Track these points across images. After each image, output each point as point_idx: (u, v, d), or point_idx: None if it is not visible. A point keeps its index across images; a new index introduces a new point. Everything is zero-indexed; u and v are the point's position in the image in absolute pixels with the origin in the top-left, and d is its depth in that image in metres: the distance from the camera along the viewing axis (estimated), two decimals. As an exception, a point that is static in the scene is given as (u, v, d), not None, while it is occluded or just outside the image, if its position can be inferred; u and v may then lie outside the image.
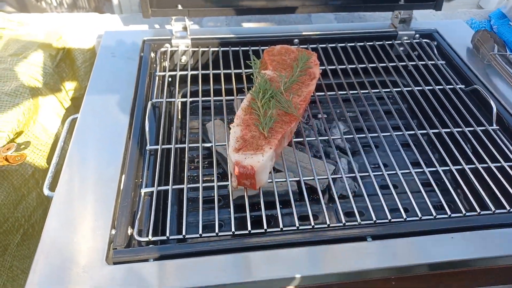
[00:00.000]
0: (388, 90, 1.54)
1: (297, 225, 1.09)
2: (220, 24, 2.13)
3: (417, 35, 1.80)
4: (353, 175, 1.23)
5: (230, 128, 1.23)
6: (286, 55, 1.51)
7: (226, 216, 1.38)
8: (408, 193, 1.16)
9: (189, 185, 1.17)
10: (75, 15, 2.12)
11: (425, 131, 1.37)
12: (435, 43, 1.78)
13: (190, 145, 1.29)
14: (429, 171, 1.22)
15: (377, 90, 1.53)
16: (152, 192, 1.14)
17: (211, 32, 1.73)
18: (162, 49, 1.65)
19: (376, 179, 1.21)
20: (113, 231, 1.03)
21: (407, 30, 1.80)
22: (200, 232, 1.05)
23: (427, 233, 1.07)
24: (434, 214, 1.11)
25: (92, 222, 1.04)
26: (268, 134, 1.20)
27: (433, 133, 1.36)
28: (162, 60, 1.63)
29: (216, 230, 1.05)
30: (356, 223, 1.10)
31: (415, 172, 1.22)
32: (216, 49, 1.66)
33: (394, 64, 1.65)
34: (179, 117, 1.65)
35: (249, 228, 1.07)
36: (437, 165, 1.24)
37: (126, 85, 1.45)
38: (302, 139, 1.32)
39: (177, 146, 1.28)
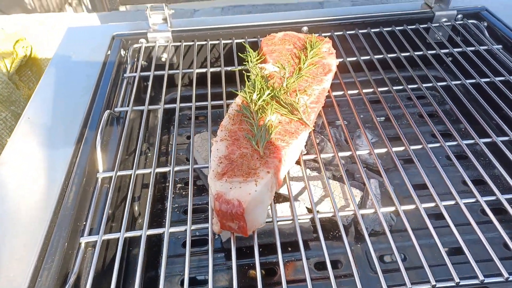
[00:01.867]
0: (430, 84, 1.14)
1: (307, 278, 0.71)
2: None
3: (459, 16, 1.41)
4: (392, 208, 0.84)
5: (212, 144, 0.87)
6: (291, 44, 1.14)
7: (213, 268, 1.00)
8: (475, 228, 0.76)
9: (149, 231, 0.80)
10: (47, 15, 1.81)
11: (489, 139, 0.97)
12: (485, 23, 1.38)
13: (158, 169, 0.92)
14: (506, 199, 0.82)
15: (415, 86, 1.14)
16: (96, 242, 0.77)
17: (198, 23, 1.38)
18: (136, 46, 1.31)
19: (423, 205, 0.82)
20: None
21: (446, 10, 1.41)
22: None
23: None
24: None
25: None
26: (264, 151, 0.83)
27: (501, 141, 0.96)
28: (135, 59, 1.29)
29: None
30: None
31: (464, 203, 0.83)
32: (203, 43, 1.31)
33: (434, 51, 1.26)
34: (150, 128, 1.30)
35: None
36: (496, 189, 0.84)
37: (81, 91, 1.10)
38: (315, 156, 0.94)
39: (141, 171, 0.92)
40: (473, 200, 0.84)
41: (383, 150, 0.95)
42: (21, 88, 1.59)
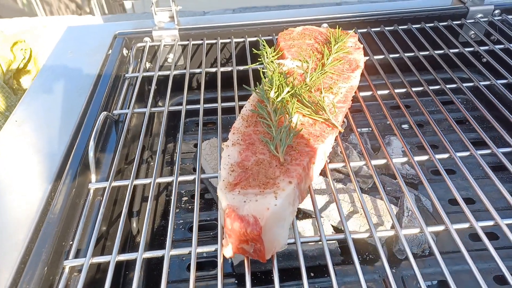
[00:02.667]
0: (471, 84, 1.00)
1: None
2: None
3: (497, 11, 1.27)
4: (440, 227, 0.68)
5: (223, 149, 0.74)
6: (312, 38, 1.01)
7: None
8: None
9: (146, 254, 0.66)
10: (50, 18, 1.72)
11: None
12: (527, 19, 1.23)
13: (160, 179, 0.79)
14: None
15: (454, 85, 1.00)
16: (83, 266, 0.64)
17: (207, 21, 1.26)
18: (140, 45, 1.19)
19: (479, 223, 0.67)
20: None
21: (481, 5, 1.28)
22: None
23: None
24: None
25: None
26: (285, 157, 0.69)
27: None
28: (138, 59, 1.18)
29: None
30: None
31: None
32: (213, 41, 1.19)
33: (472, 49, 1.12)
34: (154, 134, 1.17)
35: None
36: None
37: (77, 92, 0.99)
38: (343, 165, 0.80)
39: (139, 182, 0.79)
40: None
41: (424, 158, 0.81)
42: (19, 93, 1.49)
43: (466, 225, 0.68)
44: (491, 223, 0.68)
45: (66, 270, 0.65)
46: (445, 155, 0.81)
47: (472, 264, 0.62)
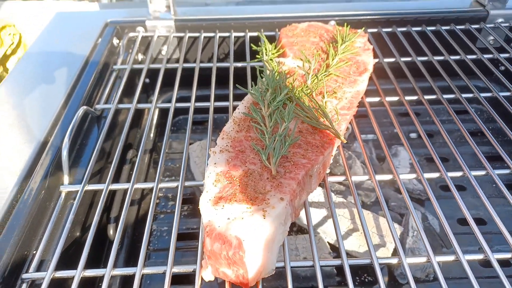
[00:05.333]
0: (489, 95, 0.91)
1: None
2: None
3: (519, 16, 1.18)
4: (451, 258, 0.60)
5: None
6: (317, 36, 0.92)
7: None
8: None
9: (116, 271, 0.58)
10: (42, 3, 1.64)
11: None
12: (552, 26, 1.14)
13: (138, 184, 0.71)
14: None
15: (471, 95, 0.91)
16: (43, 281, 0.56)
17: (206, 12, 1.18)
18: (132, 34, 1.11)
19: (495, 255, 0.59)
20: None
21: (502, 9, 1.19)
22: None
23: None
24: None
25: None
26: (278, 169, 0.61)
27: None
28: (129, 51, 1.10)
29: None
30: None
31: None
32: (211, 34, 1.11)
33: (492, 55, 1.03)
34: (143, 131, 1.09)
35: None
36: None
37: (58, 83, 0.91)
38: (344, 178, 0.71)
39: (115, 187, 0.71)
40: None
41: (435, 175, 0.72)
42: (6, 80, 1.41)
43: (479, 256, 0.60)
44: (508, 255, 0.59)
45: (24, 286, 0.58)
46: (458, 173, 0.72)
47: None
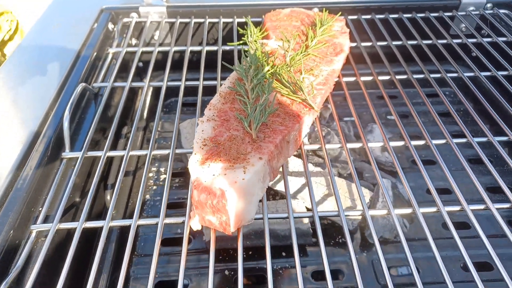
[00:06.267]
0: (455, 75, 1.00)
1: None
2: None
3: (489, 5, 1.27)
4: (408, 210, 0.69)
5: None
6: (298, 20, 1.00)
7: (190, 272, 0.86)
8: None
9: (113, 222, 0.66)
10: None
11: (505, 138, 0.82)
12: (518, 14, 1.23)
13: (133, 152, 0.79)
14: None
15: (438, 75, 1.00)
16: (49, 231, 0.64)
17: (196, -1, 1.25)
18: (126, 20, 1.18)
19: (446, 208, 0.68)
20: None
21: (474, -2, 1.27)
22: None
23: None
24: None
25: None
26: (258, 134, 0.69)
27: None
28: (124, 35, 1.16)
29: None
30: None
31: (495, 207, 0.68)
32: (201, 20, 1.18)
33: (460, 40, 1.12)
34: (136, 111, 1.16)
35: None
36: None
37: (59, 63, 0.98)
38: (319, 146, 0.80)
39: (113, 153, 0.78)
40: (507, 205, 0.69)
41: (400, 144, 0.81)
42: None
43: (433, 209, 0.68)
44: (457, 208, 0.68)
45: (33, 234, 0.65)
46: (421, 142, 0.81)
47: (436, 251, 0.62)
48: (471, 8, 1.26)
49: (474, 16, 1.23)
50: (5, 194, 0.68)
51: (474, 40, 1.12)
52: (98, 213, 0.88)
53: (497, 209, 0.68)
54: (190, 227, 0.65)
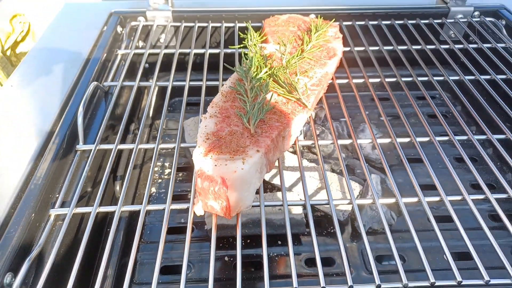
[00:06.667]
0: (441, 78, 1.07)
1: (293, 273, 0.63)
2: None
3: (476, 13, 1.34)
4: (392, 200, 0.76)
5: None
6: (295, 26, 1.07)
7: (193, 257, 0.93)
8: (487, 232, 0.68)
9: (125, 208, 0.73)
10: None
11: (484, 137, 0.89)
12: (503, 22, 1.31)
13: (142, 145, 0.86)
14: (496, 199, 0.75)
15: (425, 78, 1.07)
16: (66, 215, 0.71)
17: (200, 4, 1.32)
18: (133, 23, 1.25)
19: (426, 199, 0.75)
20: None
21: (462, 6, 1.34)
22: None
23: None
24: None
25: None
26: (256, 130, 0.76)
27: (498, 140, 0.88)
28: (131, 38, 1.24)
29: None
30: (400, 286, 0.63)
31: (472, 199, 0.75)
32: (204, 24, 1.25)
33: (448, 46, 1.19)
34: (143, 110, 1.23)
35: None
36: (509, 189, 0.77)
37: (70, 63, 1.05)
38: (312, 142, 0.87)
39: (123, 146, 0.85)
40: (482, 196, 0.76)
41: (387, 141, 0.88)
42: (16, 64, 1.54)
43: (415, 199, 0.75)
44: (437, 198, 0.75)
45: (52, 218, 0.72)
46: (406, 139, 0.88)
47: (417, 240, 0.69)
48: (460, 16, 1.34)
49: (462, 24, 1.30)
50: (26, 181, 0.75)
51: (461, 46, 1.19)
52: (107, 204, 0.95)
53: (473, 200, 0.75)
54: (194, 213, 0.72)
